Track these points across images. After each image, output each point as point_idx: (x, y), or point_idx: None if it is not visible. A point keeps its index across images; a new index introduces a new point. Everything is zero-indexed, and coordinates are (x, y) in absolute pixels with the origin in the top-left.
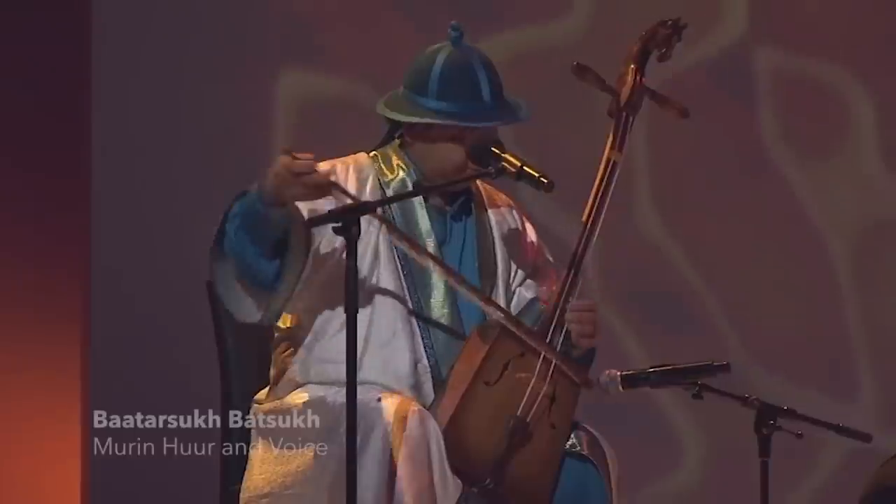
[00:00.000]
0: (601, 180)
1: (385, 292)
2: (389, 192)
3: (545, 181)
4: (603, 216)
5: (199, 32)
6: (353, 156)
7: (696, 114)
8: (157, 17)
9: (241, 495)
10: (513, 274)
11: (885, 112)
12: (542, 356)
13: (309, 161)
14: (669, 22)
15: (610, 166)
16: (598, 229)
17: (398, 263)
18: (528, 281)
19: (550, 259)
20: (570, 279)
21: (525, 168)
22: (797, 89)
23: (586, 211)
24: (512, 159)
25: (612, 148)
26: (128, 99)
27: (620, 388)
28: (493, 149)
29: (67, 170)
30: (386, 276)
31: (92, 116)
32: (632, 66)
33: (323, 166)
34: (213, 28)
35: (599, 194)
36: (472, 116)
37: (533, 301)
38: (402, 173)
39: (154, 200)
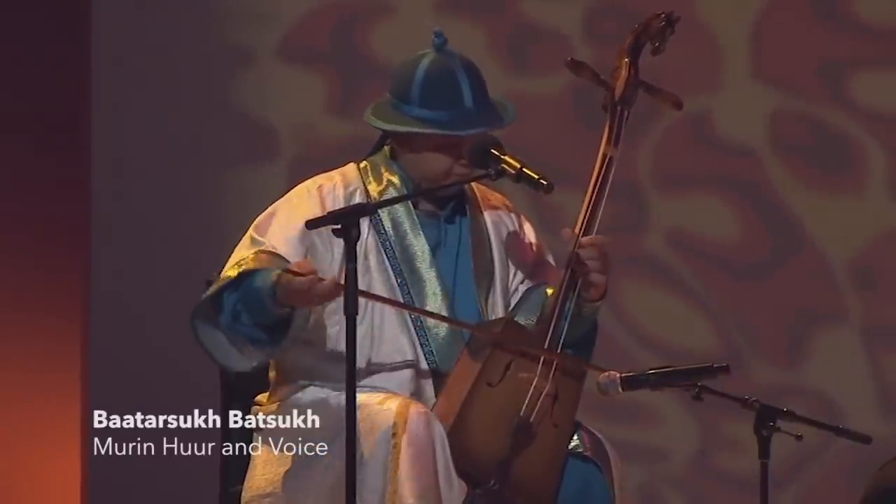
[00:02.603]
0: (597, 177)
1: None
2: None
3: (545, 183)
4: (600, 214)
5: (199, 33)
6: (341, 169)
7: (699, 153)
8: (157, 17)
9: (243, 495)
10: (512, 275)
11: (889, 148)
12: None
13: (309, 278)
14: (663, 14)
15: (606, 162)
16: (595, 228)
17: (390, 271)
18: (528, 279)
19: (552, 261)
20: (567, 278)
21: (524, 170)
22: (798, 127)
23: (583, 209)
24: (511, 161)
25: (607, 143)
26: (127, 99)
27: (620, 389)
28: (492, 150)
29: (67, 170)
30: (378, 284)
31: (92, 116)
32: (625, 59)
33: (312, 189)
34: (213, 29)
35: (596, 191)
36: (454, 124)
37: (529, 290)
38: (390, 185)
39: (154, 201)
